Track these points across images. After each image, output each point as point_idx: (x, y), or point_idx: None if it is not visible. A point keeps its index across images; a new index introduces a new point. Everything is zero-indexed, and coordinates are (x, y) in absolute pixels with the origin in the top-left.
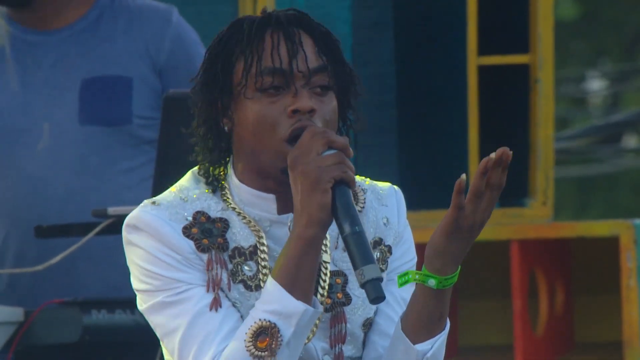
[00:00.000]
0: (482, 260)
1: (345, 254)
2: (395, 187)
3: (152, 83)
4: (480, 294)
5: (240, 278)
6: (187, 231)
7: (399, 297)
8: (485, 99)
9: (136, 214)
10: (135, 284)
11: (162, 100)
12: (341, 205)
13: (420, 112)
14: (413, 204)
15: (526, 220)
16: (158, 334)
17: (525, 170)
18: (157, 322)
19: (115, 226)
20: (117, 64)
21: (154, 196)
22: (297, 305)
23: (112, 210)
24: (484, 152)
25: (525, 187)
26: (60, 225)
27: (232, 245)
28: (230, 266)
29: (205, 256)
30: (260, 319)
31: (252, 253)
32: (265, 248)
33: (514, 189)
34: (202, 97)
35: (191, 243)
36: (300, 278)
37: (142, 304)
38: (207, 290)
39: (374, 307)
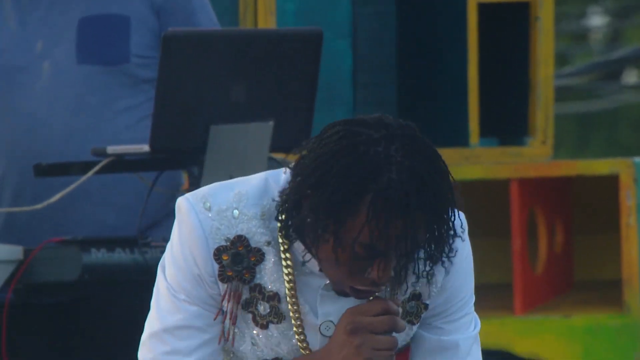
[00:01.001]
0: (481, 199)
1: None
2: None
3: (150, 22)
4: (479, 232)
5: (251, 310)
6: (218, 254)
7: (436, 345)
8: (485, 38)
9: (188, 207)
10: (167, 248)
11: (161, 39)
12: None
13: (419, 50)
14: None
15: (526, 159)
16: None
17: (525, 109)
18: (156, 287)
19: (114, 165)
20: (115, 2)
21: (153, 136)
22: None
23: (111, 149)
24: (483, 91)
25: (525, 126)
26: (60, 164)
27: (256, 281)
28: (246, 296)
29: (223, 286)
30: None
31: (271, 298)
32: (292, 300)
33: (514, 128)
34: (304, 193)
35: (216, 267)
36: None
37: (162, 261)
38: (223, 322)
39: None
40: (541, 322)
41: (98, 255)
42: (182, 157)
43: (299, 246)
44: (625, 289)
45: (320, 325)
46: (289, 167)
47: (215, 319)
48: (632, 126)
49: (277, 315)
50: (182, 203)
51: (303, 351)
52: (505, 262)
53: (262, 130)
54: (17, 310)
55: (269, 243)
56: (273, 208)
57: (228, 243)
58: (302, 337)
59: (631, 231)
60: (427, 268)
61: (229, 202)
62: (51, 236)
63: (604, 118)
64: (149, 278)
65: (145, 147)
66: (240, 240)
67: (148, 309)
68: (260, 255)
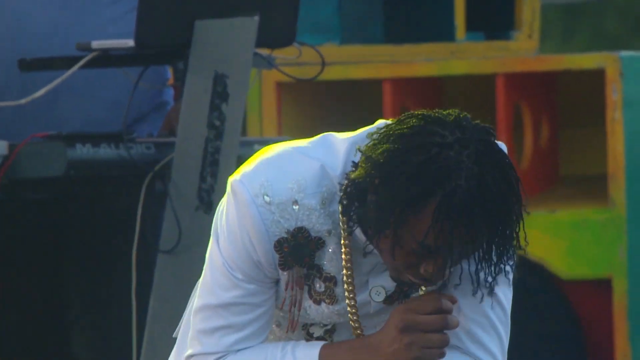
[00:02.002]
0: (467, 93)
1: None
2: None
3: None
4: None
5: (308, 283)
6: (279, 245)
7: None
8: None
9: (248, 200)
10: (216, 223)
11: None
12: None
13: None
14: (399, 37)
15: (512, 53)
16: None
17: (512, 2)
18: (210, 256)
19: (99, 60)
20: None
21: (138, 31)
22: None
23: (96, 43)
24: None
25: (511, 19)
26: (44, 58)
27: (315, 262)
28: (304, 271)
29: (284, 274)
30: None
31: (328, 279)
32: (348, 288)
33: (500, 21)
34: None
35: (276, 257)
36: None
37: (215, 228)
38: (290, 310)
39: None
40: (526, 217)
41: (83, 151)
42: (167, 52)
43: (360, 233)
44: (610, 183)
45: (371, 290)
46: (359, 150)
47: (269, 297)
48: (618, 16)
49: (331, 297)
50: (240, 192)
51: (355, 335)
52: None
53: (247, 25)
54: (2, 205)
55: (329, 232)
56: (332, 192)
57: (288, 235)
58: (356, 325)
59: (617, 125)
60: (475, 274)
61: (288, 194)
62: (37, 131)
63: (590, 8)
64: (133, 173)
65: (130, 42)
66: (300, 232)
67: (134, 204)
68: (320, 243)
